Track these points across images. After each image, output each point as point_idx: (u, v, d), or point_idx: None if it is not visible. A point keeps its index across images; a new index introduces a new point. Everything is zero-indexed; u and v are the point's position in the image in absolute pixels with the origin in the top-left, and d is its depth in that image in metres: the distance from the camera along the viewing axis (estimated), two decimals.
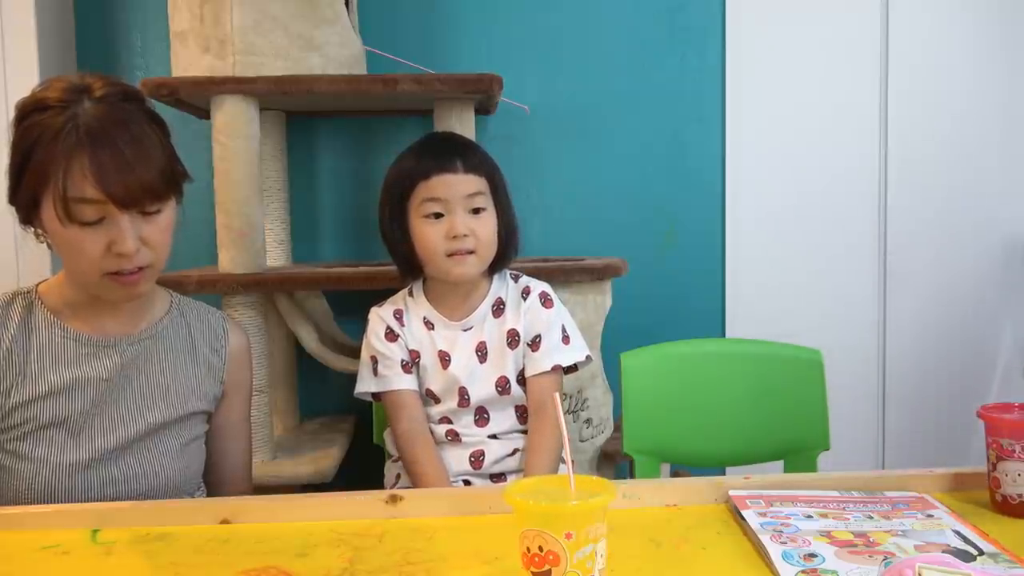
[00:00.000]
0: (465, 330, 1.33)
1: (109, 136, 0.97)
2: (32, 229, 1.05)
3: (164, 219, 1.04)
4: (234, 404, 1.22)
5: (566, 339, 1.34)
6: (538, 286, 1.37)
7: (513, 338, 1.33)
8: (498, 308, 1.35)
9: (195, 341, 1.17)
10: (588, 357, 1.37)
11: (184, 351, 1.16)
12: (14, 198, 1.03)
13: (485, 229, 1.28)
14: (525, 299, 1.35)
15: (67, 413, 1.06)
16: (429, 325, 1.34)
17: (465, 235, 1.26)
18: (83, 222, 0.98)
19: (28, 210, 1.02)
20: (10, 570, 0.84)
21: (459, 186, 1.27)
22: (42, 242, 1.05)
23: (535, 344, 1.33)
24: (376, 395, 1.37)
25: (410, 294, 1.38)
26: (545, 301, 1.35)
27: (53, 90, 1.00)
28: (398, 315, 1.34)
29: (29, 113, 1.00)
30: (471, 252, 1.27)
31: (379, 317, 1.35)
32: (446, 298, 1.35)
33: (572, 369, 1.38)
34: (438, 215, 1.27)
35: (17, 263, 1.98)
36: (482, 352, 1.33)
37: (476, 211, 1.28)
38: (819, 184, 2.34)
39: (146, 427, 1.09)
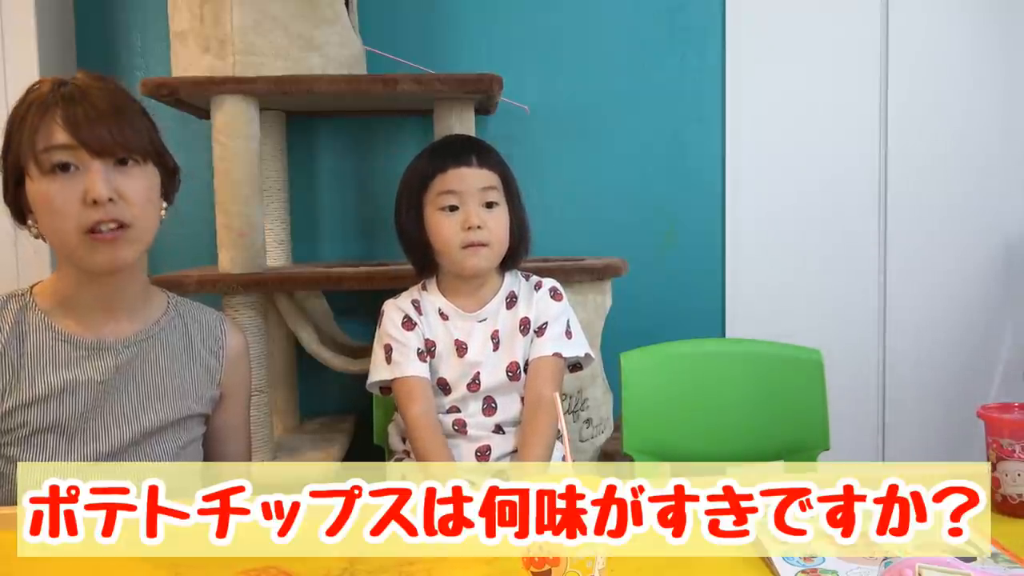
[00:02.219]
0: (479, 321, 1.37)
1: (86, 95, 1.01)
2: (27, 225, 1.05)
3: (141, 177, 1.04)
4: (232, 406, 1.21)
5: (569, 334, 1.39)
6: (549, 282, 1.43)
7: (525, 325, 1.37)
8: (511, 300, 1.39)
9: (192, 342, 1.16)
10: (588, 355, 1.39)
11: (181, 353, 1.15)
12: (6, 189, 1.04)
13: (498, 223, 1.33)
14: (537, 291, 1.40)
15: (62, 417, 1.05)
16: (444, 316, 1.37)
17: (479, 227, 1.30)
18: (54, 166, 0.98)
19: (16, 190, 1.02)
20: (9, 570, 0.84)
21: (473, 179, 1.31)
22: (35, 235, 1.05)
23: (541, 331, 1.37)
24: (385, 388, 1.38)
25: (423, 288, 1.41)
26: (555, 294, 1.41)
27: (42, 82, 1.04)
28: (416, 304, 1.38)
29: (17, 106, 1.03)
30: (484, 245, 1.31)
31: (396, 307, 1.38)
32: (459, 292, 1.38)
33: (576, 368, 1.41)
34: (453, 208, 1.31)
35: (17, 263, 1.97)
36: (495, 340, 1.36)
37: (489, 205, 1.32)
38: (819, 184, 2.34)
39: (143, 430, 1.09)
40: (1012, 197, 2.39)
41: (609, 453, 1.89)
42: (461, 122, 1.82)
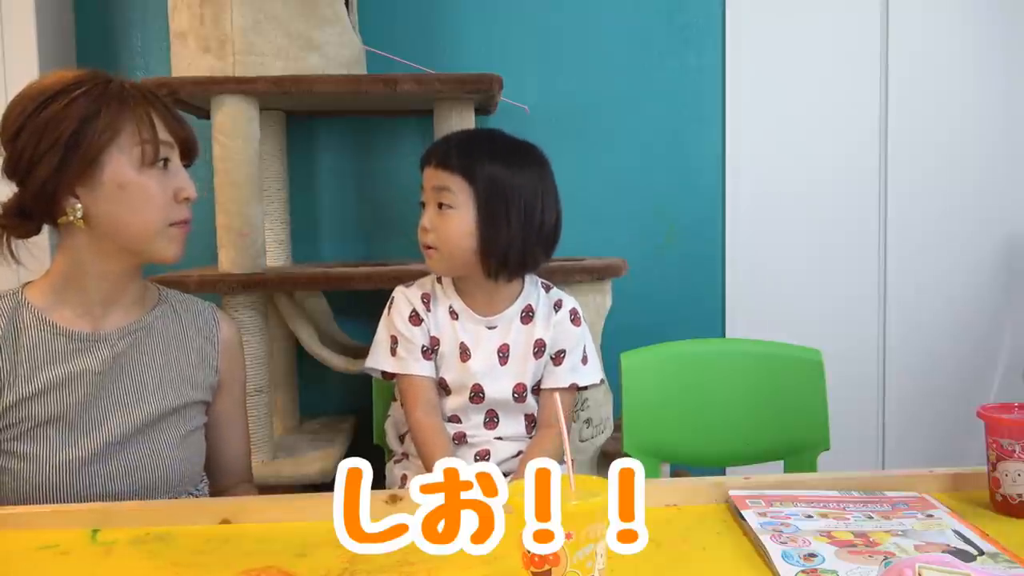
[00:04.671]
0: (490, 328, 1.33)
1: (158, 96, 1.09)
2: (65, 209, 1.03)
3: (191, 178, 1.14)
4: (229, 395, 1.23)
5: (584, 359, 1.36)
6: (570, 302, 1.38)
7: (540, 348, 1.33)
8: (527, 315, 1.34)
9: (186, 331, 1.18)
10: (602, 380, 1.39)
11: (176, 341, 1.16)
12: (58, 176, 1.01)
13: (447, 226, 1.25)
14: (556, 312, 1.35)
15: (62, 409, 1.06)
16: (454, 315, 1.33)
17: (426, 229, 1.27)
18: (157, 160, 1.05)
19: (76, 178, 1.02)
20: (9, 570, 0.84)
21: (430, 180, 1.28)
22: (77, 219, 1.03)
23: (558, 358, 1.34)
24: (387, 375, 1.36)
25: (438, 281, 1.36)
26: (574, 318, 1.37)
27: (69, 74, 1.05)
28: (425, 299, 1.33)
29: (58, 94, 1.02)
30: (432, 248, 1.27)
31: (405, 298, 1.34)
32: (472, 293, 1.34)
33: (584, 388, 1.40)
34: (423, 204, 1.30)
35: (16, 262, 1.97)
36: (504, 354, 1.32)
37: (443, 208, 1.26)
38: (819, 184, 2.34)
39: (144, 419, 1.10)
40: (1012, 197, 2.39)
41: (609, 453, 1.89)
42: (461, 122, 1.82)
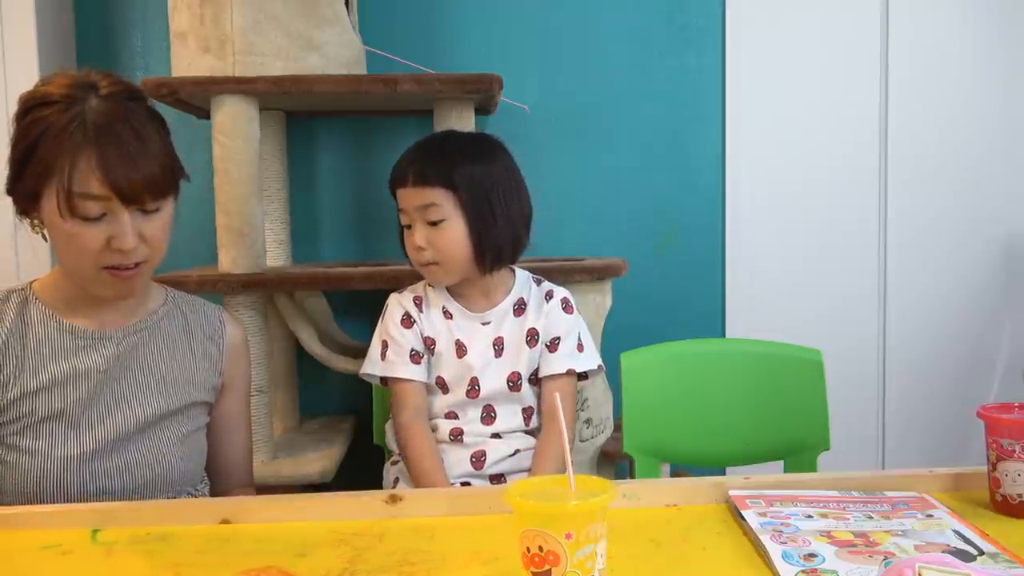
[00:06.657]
0: (484, 323, 1.35)
1: (115, 132, 0.99)
2: (28, 219, 1.06)
3: (163, 217, 1.05)
4: (233, 397, 1.23)
5: (580, 347, 1.37)
6: (560, 292, 1.40)
7: (532, 336, 1.35)
8: (519, 307, 1.37)
9: (192, 332, 1.18)
10: (600, 366, 1.40)
11: (181, 341, 1.17)
12: (14, 188, 1.03)
13: (445, 240, 1.27)
14: (548, 301, 1.37)
15: (65, 405, 1.06)
16: (448, 315, 1.35)
17: (422, 248, 1.28)
18: (85, 217, 0.98)
19: (27, 202, 1.03)
20: (10, 570, 0.84)
21: (412, 199, 1.29)
22: (37, 232, 1.07)
23: (553, 345, 1.35)
24: (384, 380, 1.38)
25: (430, 284, 1.38)
26: (566, 306, 1.38)
27: (58, 85, 1.01)
28: (418, 301, 1.36)
29: (33, 107, 1.01)
30: (432, 264, 1.29)
31: (398, 302, 1.37)
32: (465, 292, 1.36)
33: (583, 376, 1.40)
34: (408, 226, 1.31)
35: (16, 262, 1.97)
36: (499, 347, 1.34)
37: (435, 223, 1.27)
38: (819, 184, 2.34)
39: (146, 417, 1.10)
40: (1012, 197, 2.39)
41: (609, 453, 1.89)
42: (461, 122, 1.82)
